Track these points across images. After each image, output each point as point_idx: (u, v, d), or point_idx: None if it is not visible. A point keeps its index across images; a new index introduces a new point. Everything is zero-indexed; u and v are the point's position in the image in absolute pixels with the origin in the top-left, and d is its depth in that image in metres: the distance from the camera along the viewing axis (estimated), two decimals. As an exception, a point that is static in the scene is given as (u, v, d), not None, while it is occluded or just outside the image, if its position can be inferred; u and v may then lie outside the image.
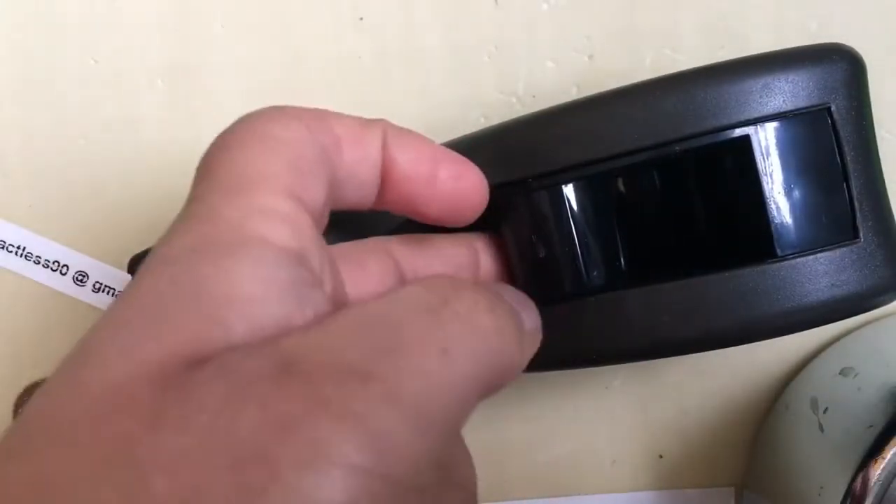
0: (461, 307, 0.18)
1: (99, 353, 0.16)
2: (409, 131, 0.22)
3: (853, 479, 0.27)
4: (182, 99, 0.32)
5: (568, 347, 0.26)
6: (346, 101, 0.32)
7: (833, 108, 0.24)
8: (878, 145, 0.25)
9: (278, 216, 0.17)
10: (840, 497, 0.27)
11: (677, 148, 0.24)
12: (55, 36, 0.32)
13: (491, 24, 0.32)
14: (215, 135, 0.19)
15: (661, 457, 0.33)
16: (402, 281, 0.23)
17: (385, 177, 0.21)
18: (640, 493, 0.33)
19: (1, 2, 0.32)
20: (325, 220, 0.20)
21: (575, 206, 0.25)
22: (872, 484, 0.26)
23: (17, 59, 0.32)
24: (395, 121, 0.32)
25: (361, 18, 0.32)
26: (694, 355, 0.32)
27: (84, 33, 0.32)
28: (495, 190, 0.24)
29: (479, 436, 0.22)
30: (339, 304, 0.19)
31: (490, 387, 0.18)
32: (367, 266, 0.23)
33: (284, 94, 0.32)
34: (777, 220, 0.24)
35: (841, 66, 0.24)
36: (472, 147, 0.26)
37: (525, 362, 0.21)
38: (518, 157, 0.26)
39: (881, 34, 0.32)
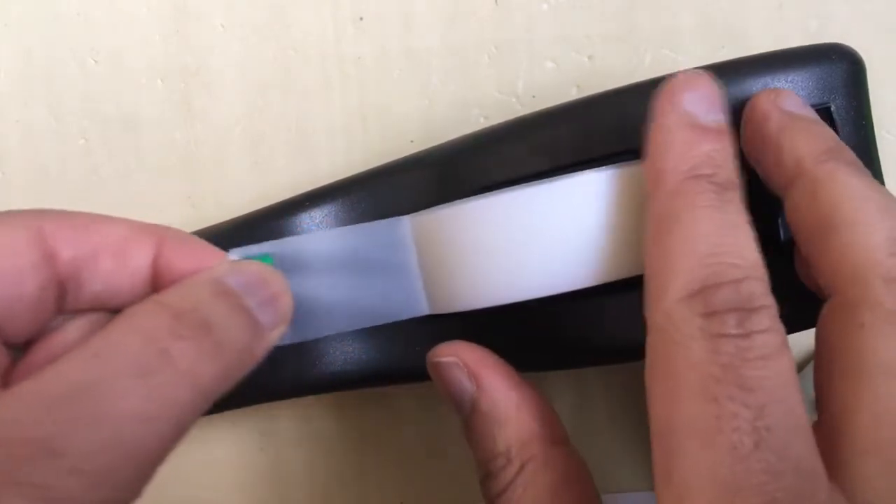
0: (182, 361, 0.18)
1: None
2: (191, 239, 0.22)
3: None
4: (182, 99, 0.32)
5: (562, 348, 0.26)
6: (347, 101, 0.32)
7: (833, 108, 0.24)
8: (878, 145, 0.25)
9: None
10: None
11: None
12: (55, 35, 0.32)
13: (491, 24, 0.32)
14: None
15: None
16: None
17: (158, 284, 0.22)
18: (641, 494, 0.33)
19: (2, 2, 0.32)
20: (45, 311, 0.21)
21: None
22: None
23: (17, 59, 0.32)
24: (392, 121, 0.33)
25: (361, 18, 0.32)
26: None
27: (84, 33, 0.32)
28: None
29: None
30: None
31: (206, 405, 0.19)
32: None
33: (284, 94, 0.32)
34: (777, 221, 0.24)
35: (841, 66, 0.24)
36: (476, 145, 0.26)
37: (263, 354, 0.21)
38: (522, 157, 0.26)
39: (881, 34, 0.32)
